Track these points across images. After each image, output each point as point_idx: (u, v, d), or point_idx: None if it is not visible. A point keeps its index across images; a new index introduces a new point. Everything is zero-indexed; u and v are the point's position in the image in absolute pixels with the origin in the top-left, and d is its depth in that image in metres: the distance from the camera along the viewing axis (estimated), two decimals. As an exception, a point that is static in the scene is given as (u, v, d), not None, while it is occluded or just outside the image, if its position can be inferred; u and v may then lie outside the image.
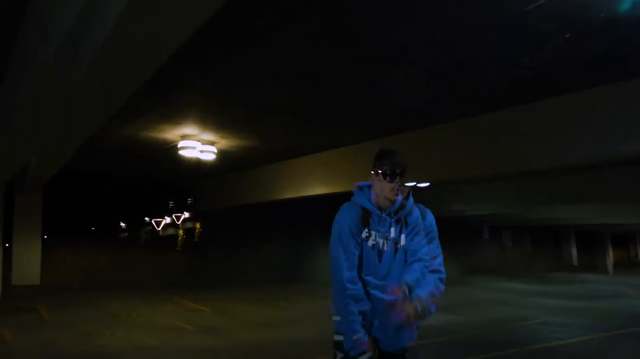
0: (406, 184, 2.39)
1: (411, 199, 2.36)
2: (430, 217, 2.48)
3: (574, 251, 31.53)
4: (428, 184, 10.11)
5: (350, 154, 9.55)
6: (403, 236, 2.30)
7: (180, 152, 9.23)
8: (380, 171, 2.24)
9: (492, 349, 6.33)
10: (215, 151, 9.64)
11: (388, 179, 2.21)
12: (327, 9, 4.38)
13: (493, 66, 5.69)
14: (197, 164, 10.61)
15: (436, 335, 6.80)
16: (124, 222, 20.89)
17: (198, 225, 20.26)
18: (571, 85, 6.17)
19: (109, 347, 6.17)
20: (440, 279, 2.40)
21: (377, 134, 8.79)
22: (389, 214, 2.29)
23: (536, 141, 6.91)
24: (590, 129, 6.31)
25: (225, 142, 9.58)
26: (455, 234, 23.81)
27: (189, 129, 8.59)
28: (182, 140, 9.04)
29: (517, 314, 9.47)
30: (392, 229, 2.28)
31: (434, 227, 2.48)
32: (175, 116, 7.89)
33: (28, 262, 12.67)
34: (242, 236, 16.45)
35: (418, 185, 10.11)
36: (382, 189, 2.25)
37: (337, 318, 2.27)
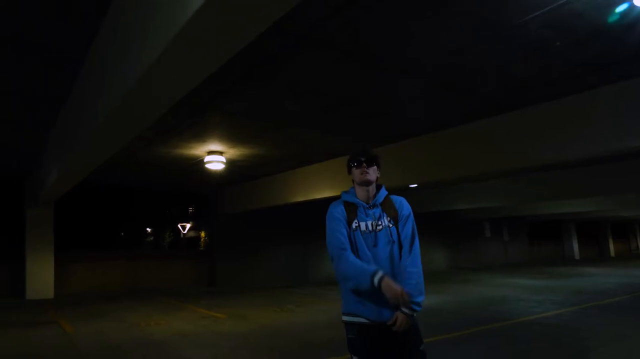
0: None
1: (382, 192, 2.61)
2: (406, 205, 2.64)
3: (576, 245, 31.86)
4: (416, 184, 10.68)
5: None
6: (393, 228, 2.51)
7: (207, 165, 10.03)
8: (349, 164, 2.60)
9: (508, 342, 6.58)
10: (224, 160, 10.00)
11: (355, 166, 2.55)
12: (346, 36, 4.72)
13: (499, 70, 5.97)
14: (213, 174, 11.39)
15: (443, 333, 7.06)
16: (132, 234, 21.14)
17: (202, 234, 20.53)
18: (572, 87, 6.48)
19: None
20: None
21: (383, 142, 9.26)
22: (373, 206, 2.54)
23: (542, 139, 7.22)
24: (592, 127, 6.62)
25: (234, 153, 10.01)
26: (459, 232, 24.13)
27: (214, 145, 9.33)
28: (207, 155, 9.78)
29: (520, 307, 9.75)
30: (384, 219, 2.51)
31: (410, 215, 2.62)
32: (202, 134, 8.64)
33: (41, 276, 12.93)
34: (249, 243, 16.74)
35: (410, 185, 10.73)
36: (354, 177, 2.56)
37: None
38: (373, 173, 2.54)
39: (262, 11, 2.54)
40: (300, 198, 12.05)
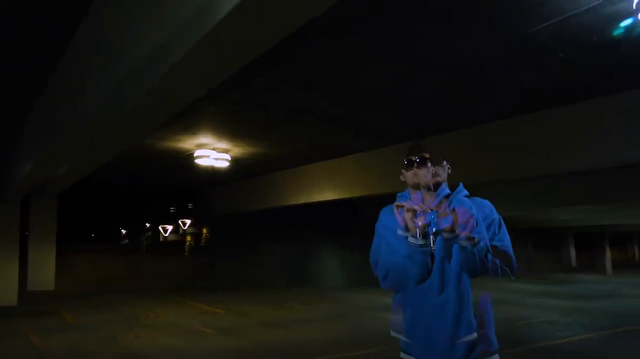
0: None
1: (440, 193, 2.09)
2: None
3: (573, 252, 31.93)
4: None
5: (360, 161, 9.94)
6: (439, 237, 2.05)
7: (196, 161, 9.63)
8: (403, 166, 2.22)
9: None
10: (229, 158, 10.02)
11: (405, 169, 2.17)
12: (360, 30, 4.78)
13: (510, 77, 6.09)
14: (211, 171, 11.05)
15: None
16: (132, 229, 21.25)
17: (205, 230, 20.64)
18: (580, 95, 6.59)
19: (136, 348, 6.52)
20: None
21: (389, 142, 9.16)
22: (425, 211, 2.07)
23: (551, 147, 7.27)
24: (598, 136, 6.68)
25: (238, 150, 9.98)
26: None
27: (206, 138, 8.98)
28: (197, 149, 9.43)
29: (521, 314, 9.83)
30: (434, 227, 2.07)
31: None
32: (193, 127, 8.26)
33: (43, 268, 12.98)
34: (248, 240, 16.80)
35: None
36: (406, 180, 2.17)
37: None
38: (428, 173, 2.07)
39: (289, 17, 2.62)
40: (301, 200, 11.79)
